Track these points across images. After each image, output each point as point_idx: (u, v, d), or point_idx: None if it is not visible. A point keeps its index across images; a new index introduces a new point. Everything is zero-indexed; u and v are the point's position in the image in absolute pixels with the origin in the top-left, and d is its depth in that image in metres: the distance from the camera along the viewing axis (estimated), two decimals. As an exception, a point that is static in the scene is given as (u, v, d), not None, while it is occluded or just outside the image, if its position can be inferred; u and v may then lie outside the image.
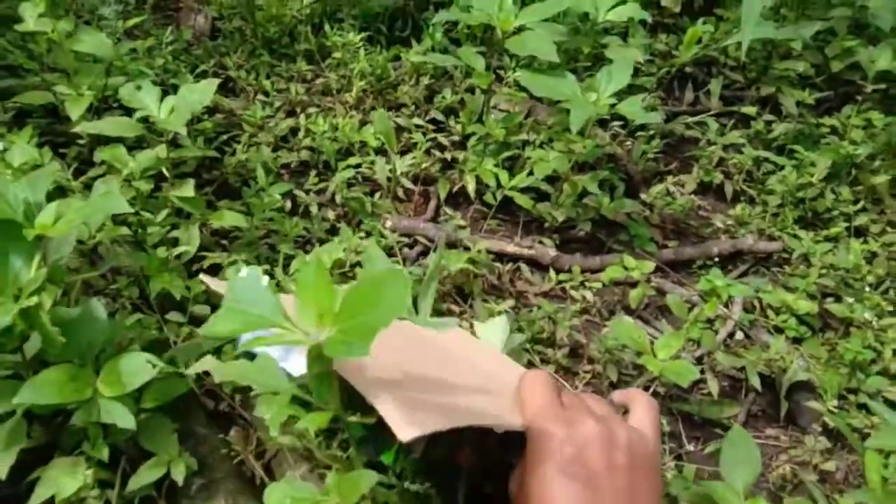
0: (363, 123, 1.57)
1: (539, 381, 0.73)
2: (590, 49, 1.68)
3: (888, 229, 1.57)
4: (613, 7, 1.58)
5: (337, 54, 1.67)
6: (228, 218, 1.16)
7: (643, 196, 1.61)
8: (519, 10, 1.44)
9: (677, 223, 1.60)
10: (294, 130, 1.55)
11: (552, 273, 1.39)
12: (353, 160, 1.49)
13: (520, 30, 1.40)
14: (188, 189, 1.12)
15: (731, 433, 0.95)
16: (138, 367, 0.79)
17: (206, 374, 1.01)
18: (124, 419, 0.77)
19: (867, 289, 1.42)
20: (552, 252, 1.42)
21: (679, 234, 1.58)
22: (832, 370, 1.22)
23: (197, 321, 1.06)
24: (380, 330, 0.55)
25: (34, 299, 0.74)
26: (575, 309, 1.32)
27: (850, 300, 1.37)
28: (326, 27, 1.72)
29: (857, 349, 1.23)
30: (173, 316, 1.04)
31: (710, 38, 1.80)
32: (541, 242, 1.45)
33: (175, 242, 1.15)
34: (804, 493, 1.07)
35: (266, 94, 1.61)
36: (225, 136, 1.49)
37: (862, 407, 1.20)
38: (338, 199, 1.42)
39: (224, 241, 1.29)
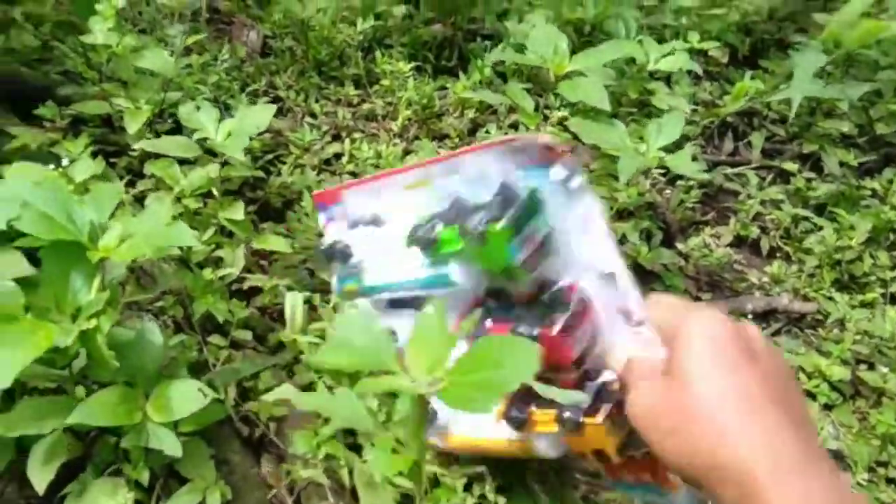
0: (406, 152, 1.58)
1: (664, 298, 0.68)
2: (636, 95, 1.69)
3: (925, 299, 1.56)
4: (664, 56, 1.59)
5: (385, 81, 1.69)
6: (273, 242, 1.17)
7: (679, 246, 1.61)
8: (572, 53, 1.45)
9: (712, 276, 1.59)
10: (338, 155, 1.56)
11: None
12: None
13: (572, 74, 1.41)
14: (238, 212, 1.13)
15: None
16: (190, 396, 0.80)
17: (244, 399, 1.03)
18: (172, 446, 0.78)
19: (902, 359, 1.41)
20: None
21: (713, 287, 1.58)
22: (863, 441, 1.21)
23: (237, 345, 1.07)
24: (506, 391, 0.56)
25: (93, 322, 0.75)
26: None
27: (885, 370, 1.36)
28: (377, 53, 1.73)
29: (889, 422, 1.22)
30: (215, 339, 1.05)
31: (756, 91, 1.80)
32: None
33: (218, 262, 1.16)
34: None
35: (314, 115, 1.63)
36: (270, 156, 1.51)
37: (891, 482, 1.18)
38: (378, 227, 1.42)
39: (263, 262, 1.30)
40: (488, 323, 0.76)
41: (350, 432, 1.01)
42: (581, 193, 0.70)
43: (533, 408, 0.75)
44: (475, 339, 0.63)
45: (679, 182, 1.73)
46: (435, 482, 0.94)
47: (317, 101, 1.68)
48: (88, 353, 0.82)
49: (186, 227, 0.81)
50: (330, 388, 0.99)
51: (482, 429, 0.81)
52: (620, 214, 1.50)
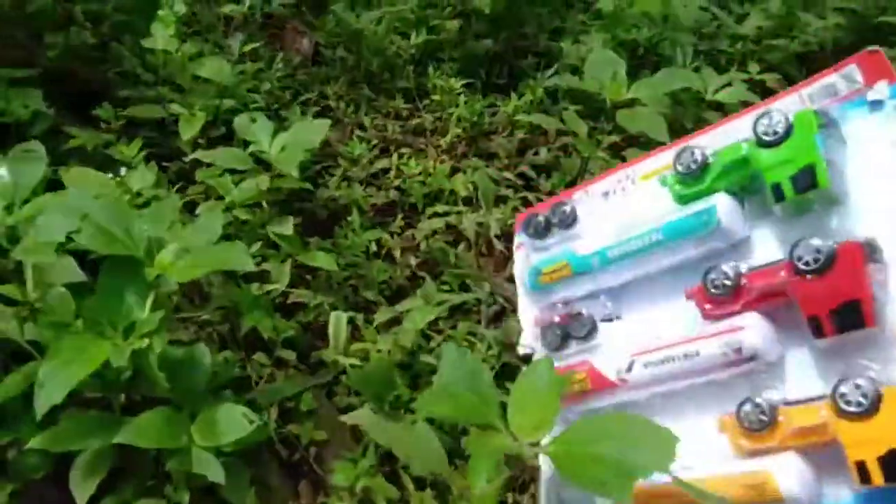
0: (454, 170, 1.56)
1: None
2: (691, 124, 1.65)
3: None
4: (722, 88, 1.55)
5: (435, 96, 1.68)
6: (321, 259, 1.16)
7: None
8: (630, 81, 1.42)
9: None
10: (385, 170, 1.55)
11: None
12: (440, 207, 1.48)
13: (631, 103, 1.38)
14: (287, 226, 1.12)
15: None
16: (235, 422, 0.79)
17: (285, 420, 1.01)
18: (216, 473, 0.77)
19: None
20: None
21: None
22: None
23: (280, 363, 1.06)
24: (638, 476, 0.52)
25: (146, 341, 0.75)
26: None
27: None
28: (430, 68, 1.72)
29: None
30: (259, 356, 1.03)
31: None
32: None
33: (264, 276, 1.15)
34: None
35: (363, 128, 1.62)
36: (318, 167, 1.50)
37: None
38: (422, 245, 1.41)
39: (307, 276, 1.29)
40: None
41: (388, 457, 0.99)
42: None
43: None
44: None
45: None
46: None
47: (366, 113, 1.66)
48: (137, 369, 0.81)
49: (244, 248, 0.80)
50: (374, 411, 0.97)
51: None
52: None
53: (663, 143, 1.36)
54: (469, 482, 0.72)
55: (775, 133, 0.67)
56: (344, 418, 0.82)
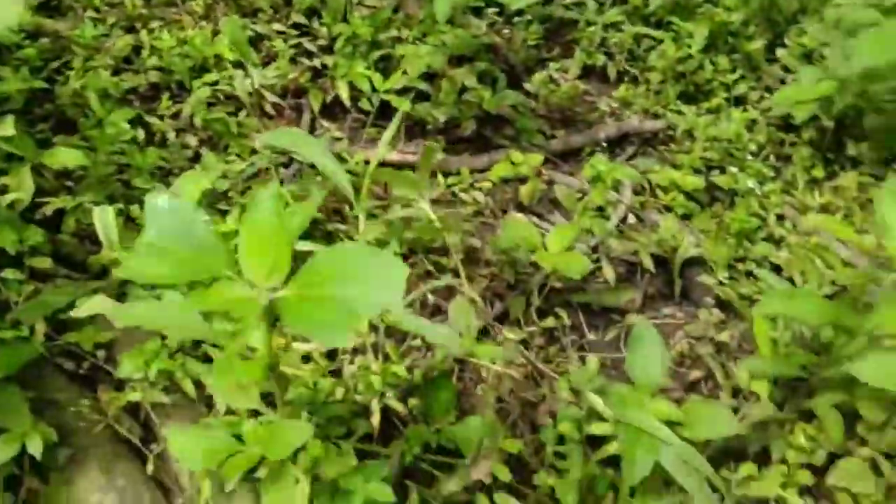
0: (215, 34, 1.41)
1: None
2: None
3: (766, 95, 1.58)
4: None
5: (176, -43, 1.48)
6: (64, 156, 1.02)
7: (527, 86, 1.55)
8: None
9: (563, 111, 1.55)
10: (137, 49, 1.37)
11: (440, 177, 1.32)
12: (209, 77, 1.34)
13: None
14: (7, 127, 0.96)
15: (636, 331, 0.93)
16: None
17: (59, 333, 0.91)
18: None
19: (749, 157, 1.43)
20: (438, 155, 1.35)
21: (566, 123, 1.54)
22: (721, 242, 1.24)
23: (40, 276, 0.94)
24: (364, 317, 0.47)
25: None
26: (467, 212, 1.27)
27: (734, 170, 1.38)
28: (158, -75, 1.51)
29: (742, 218, 1.25)
30: (10, 273, 0.91)
31: None
32: (426, 146, 1.37)
33: (4, 190, 1.00)
34: (702, 367, 1.09)
35: (97, 9, 1.42)
36: (56, 64, 1.31)
37: (750, 275, 1.22)
38: (197, 122, 1.28)
39: (69, 183, 1.14)
40: None
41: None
42: None
43: None
44: None
45: (517, 20, 1.65)
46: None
47: (98, -9, 1.45)
48: None
49: None
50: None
51: None
52: (459, 61, 1.41)
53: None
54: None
55: None
56: (75, 312, 0.72)
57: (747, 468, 0.89)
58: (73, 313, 0.69)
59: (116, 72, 1.32)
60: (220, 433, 0.67)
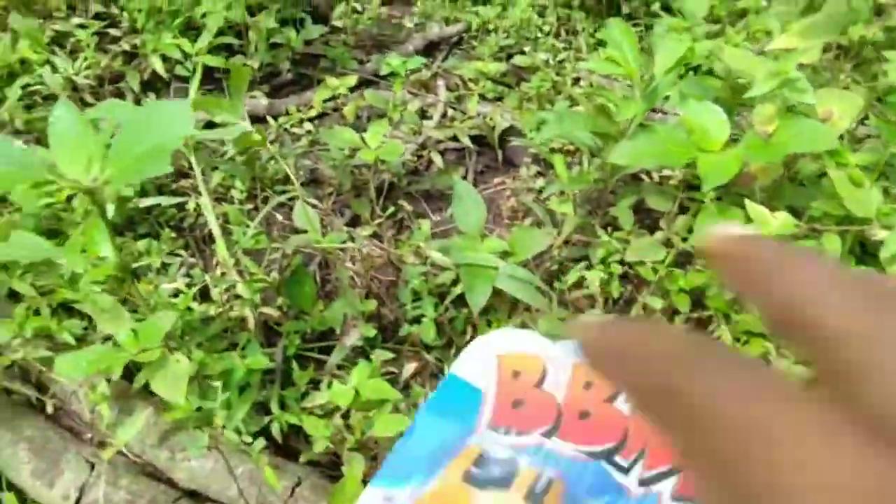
0: (16, 41, 1.43)
1: None
2: None
3: (549, -19, 1.74)
4: None
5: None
6: None
7: (334, 23, 1.65)
8: None
9: (373, 37, 1.66)
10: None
11: (271, 121, 1.41)
12: (20, 81, 1.37)
13: None
14: None
15: (456, 190, 1.08)
16: None
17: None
18: None
19: (541, 37, 1.60)
20: (264, 102, 1.44)
21: (378, 48, 1.66)
22: (527, 111, 1.40)
23: None
24: (171, 149, 0.58)
25: None
26: (301, 144, 1.37)
27: (529, 50, 1.55)
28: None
29: (539, 86, 1.41)
30: None
31: None
32: (252, 97, 1.45)
33: None
34: (532, 214, 1.25)
35: None
36: None
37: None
38: (19, 124, 1.31)
39: None
40: None
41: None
42: None
43: None
44: None
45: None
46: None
47: None
48: None
49: None
50: None
51: None
52: (256, 10, 1.49)
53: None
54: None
55: None
56: None
57: (573, 274, 1.05)
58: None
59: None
60: (97, 347, 0.76)
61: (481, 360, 0.66)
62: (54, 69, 1.35)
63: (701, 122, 0.88)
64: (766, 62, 0.90)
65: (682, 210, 1.10)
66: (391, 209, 1.23)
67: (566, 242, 1.12)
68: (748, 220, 0.86)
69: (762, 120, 0.86)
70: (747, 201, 0.86)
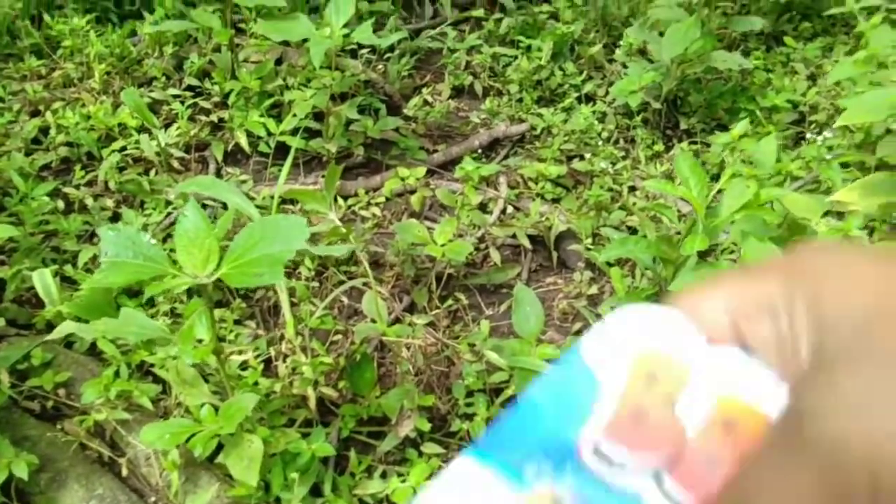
0: (116, 106, 1.55)
1: None
2: (321, -14, 1.75)
3: (610, 90, 1.84)
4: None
5: (67, 42, 1.62)
6: (-3, 230, 1.14)
7: (406, 112, 1.75)
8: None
9: (441, 128, 1.76)
10: (44, 130, 1.50)
11: (340, 201, 1.50)
12: (116, 144, 1.48)
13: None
14: (-57, 212, 1.08)
15: (517, 295, 1.13)
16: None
17: (22, 380, 1.03)
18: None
19: (601, 144, 1.68)
20: (336, 181, 1.53)
21: (445, 138, 1.75)
22: (583, 216, 1.46)
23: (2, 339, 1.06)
24: (285, 258, 0.65)
25: None
26: (367, 227, 1.44)
27: (590, 156, 1.62)
28: (46, 17, 1.64)
29: (598, 193, 1.48)
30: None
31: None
32: (323, 177, 1.54)
33: (-53, 269, 1.12)
34: (581, 319, 1.30)
35: (1, 99, 1.53)
36: (-31, 153, 1.42)
37: (609, 239, 1.45)
38: (112, 185, 1.41)
39: (2, 257, 1.26)
40: None
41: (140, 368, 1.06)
42: None
43: None
44: None
45: (389, 55, 1.86)
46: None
47: (-1, 83, 1.57)
48: None
49: None
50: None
51: None
52: (342, 99, 1.59)
53: (284, 7, 1.45)
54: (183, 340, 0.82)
55: None
56: (51, 336, 0.86)
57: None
58: (52, 336, 0.83)
59: (28, 153, 1.45)
60: (181, 421, 0.81)
61: (611, 347, 0.67)
62: (150, 136, 1.46)
63: (759, 261, 0.93)
64: (824, 209, 0.95)
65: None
66: (448, 301, 1.29)
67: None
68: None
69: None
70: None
